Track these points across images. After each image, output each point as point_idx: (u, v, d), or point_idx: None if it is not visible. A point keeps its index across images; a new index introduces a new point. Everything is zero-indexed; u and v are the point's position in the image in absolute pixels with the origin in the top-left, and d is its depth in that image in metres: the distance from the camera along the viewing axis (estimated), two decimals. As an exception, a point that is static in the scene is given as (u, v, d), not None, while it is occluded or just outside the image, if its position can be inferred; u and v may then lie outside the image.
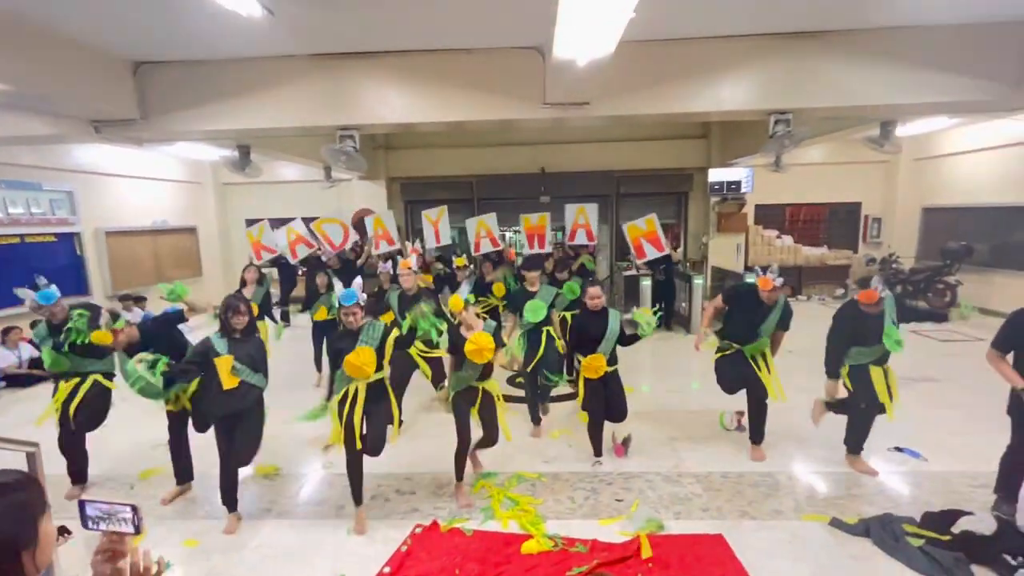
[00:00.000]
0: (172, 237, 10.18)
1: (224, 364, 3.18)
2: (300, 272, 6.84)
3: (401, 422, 3.98)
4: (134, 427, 4.56)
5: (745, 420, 4.21)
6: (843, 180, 10.91)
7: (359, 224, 8.44)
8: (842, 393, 3.85)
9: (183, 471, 3.77)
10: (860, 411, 3.77)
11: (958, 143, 9.19)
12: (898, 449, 4.09)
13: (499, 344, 3.47)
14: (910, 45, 4.60)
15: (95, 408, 3.72)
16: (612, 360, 3.94)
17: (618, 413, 4.02)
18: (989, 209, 8.76)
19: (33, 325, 3.83)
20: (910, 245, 10.33)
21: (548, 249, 7.43)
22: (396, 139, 10.86)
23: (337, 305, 3.26)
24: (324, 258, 6.59)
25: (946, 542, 2.90)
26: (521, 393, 4.82)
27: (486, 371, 3.53)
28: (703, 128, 10.50)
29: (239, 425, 3.31)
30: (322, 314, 5.77)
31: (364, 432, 3.26)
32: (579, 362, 3.99)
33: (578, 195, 8.42)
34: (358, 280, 3.38)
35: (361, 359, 3.14)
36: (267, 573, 2.98)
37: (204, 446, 3.65)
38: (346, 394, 3.23)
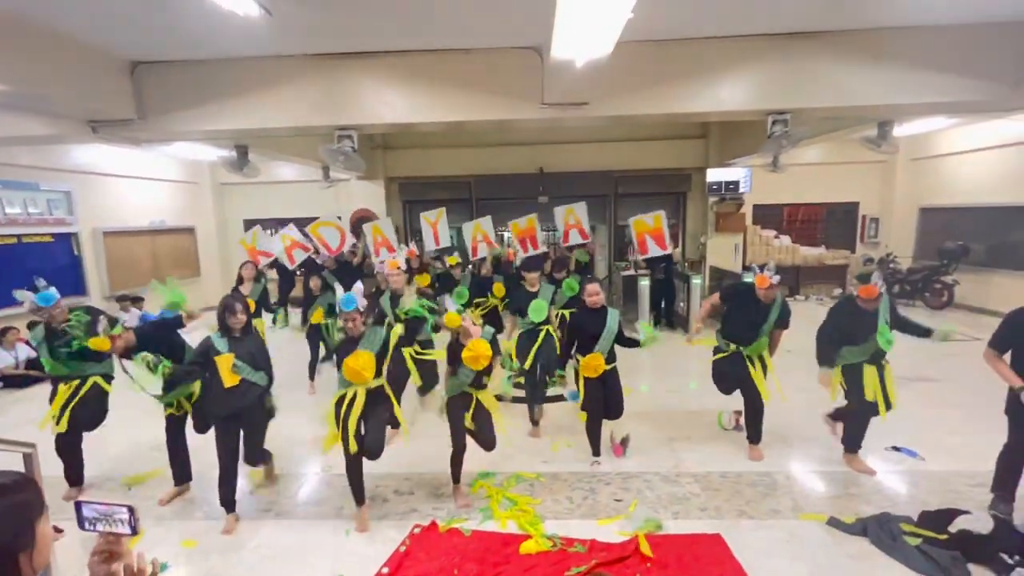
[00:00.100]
0: (170, 237, 10.17)
1: (225, 362, 3.19)
2: (299, 272, 6.82)
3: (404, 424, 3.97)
4: (134, 428, 4.54)
5: (743, 420, 4.22)
6: (841, 180, 10.93)
7: (357, 225, 8.42)
8: (835, 386, 3.85)
9: (181, 472, 3.76)
10: (856, 410, 3.78)
11: (955, 143, 9.22)
12: (895, 448, 4.10)
13: (496, 352, 3.46)
14: (909, 45, 4.61)
15: (94, 408, 3.71)
16: (611, 358, 3.93)
17: (615, 410, 4.01)
18: (986, 209, 8.78)
19: (30, 326, 3.81)
20: (907, 245, 10.35)
21: (543, 248, 7.40)
22: (394, 139, 10.85)
23: (338, 309, 3.24)
24: (320, 260, 6.55)
25: (943, 541, 2.91)
26: (521, 393, 4.81)
27: (481, 377, 3.50)
28: (701, 128, 10.51)
29: (242, 425, 3.31)
30: (319, 316, 5.75)
31: (363, 435, 3.26)
32: (577, 361, 3.99)
33: (577, 195, 8.38)
34: (358, 285, 3.32)
35: (360, 363, 3.13)
36: (266, 573, 2.98)
37: (202, 447, 3.65)
38: (343, 397, 3.22)
